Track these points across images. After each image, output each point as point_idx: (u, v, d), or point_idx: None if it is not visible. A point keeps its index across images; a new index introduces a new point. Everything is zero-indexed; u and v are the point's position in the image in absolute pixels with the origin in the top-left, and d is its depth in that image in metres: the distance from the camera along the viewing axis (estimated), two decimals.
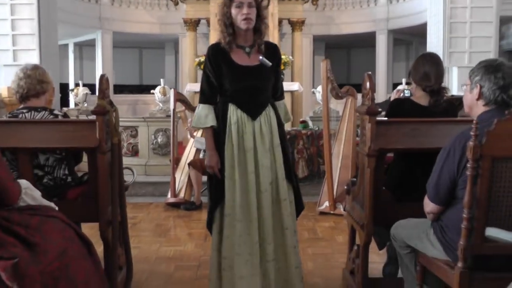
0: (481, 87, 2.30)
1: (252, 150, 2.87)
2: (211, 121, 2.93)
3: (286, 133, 3.29)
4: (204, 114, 2.94)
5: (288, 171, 2.96)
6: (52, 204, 2.38)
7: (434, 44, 8.85)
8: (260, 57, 2.89)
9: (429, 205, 2.42)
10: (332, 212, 5.34)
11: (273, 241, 2.90)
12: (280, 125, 3.00)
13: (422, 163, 2.90)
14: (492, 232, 2.16)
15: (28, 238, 2.05)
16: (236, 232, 2.86)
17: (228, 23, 2.87)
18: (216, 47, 2.95)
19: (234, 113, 2.89)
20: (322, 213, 5.39)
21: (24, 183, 2.29)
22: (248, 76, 2.89)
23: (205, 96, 2.97)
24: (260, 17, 2.89)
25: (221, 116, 2.93)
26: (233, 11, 2.85)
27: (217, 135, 2.95)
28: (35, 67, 3.19)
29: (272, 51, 2.99)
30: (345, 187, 3.50)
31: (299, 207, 3.06)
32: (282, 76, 3.35)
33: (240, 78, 2.89)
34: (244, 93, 2.90)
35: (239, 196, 2.86)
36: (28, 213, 2.17)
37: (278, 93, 3.06)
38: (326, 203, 5.40)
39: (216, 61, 2.91)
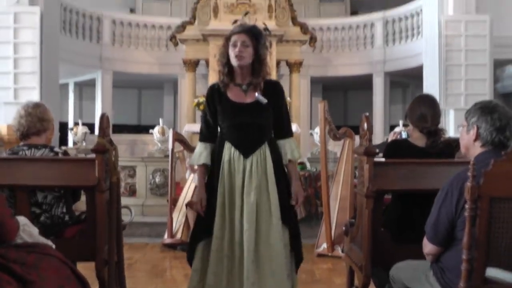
0: (478, 128, 2.33)
1: (240, 188, 2.91)
2: (203, 159, 3.02)
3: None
4: (199, 152, 3.04)
5: (284, 212, 2.93)
6: (49, 242, 2.36)
7: (431, 86, 8.95)
8: (256, 94, 2.95)
9: (427, 246, 2.40)
10: (330, 254, 5.27)
11: (260, 284, 2.85)
12: (278, 164, 2.98)
13: (420, 204, 2.90)
14: (492, 272, 2.14)
15: (24, 275, 2.03)
16: (224, 268, 2.87)
17: (224, 62, 2.97)
18: (213, 86, 3.06)
19: (228, 151, 2.94)
20: (320, 255, 5.32)
21: (22, 219, 2.28)
22: (242, 113, 2.94)
23: (203, 134, 3.07)
24: (258, 57, 2.96)
25: (217, 154, 2.98)
26: (230, 50, 2.94)
27: (212, 173, 3.00)
28: (36, 105, 3.22)
29: (272, 88, 3.02)
30: (343, 228, 3.48)
31: (298, 257, 3.03)
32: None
33: (234, 114, 2.95)
34: (238, 130, 2.94)
35: (227, 233, 2.89)
36: (25, 250, 2.16)
37: (284, 130, 3.06)
38: (324, 245, 5.35)
39: (212, 100, 3.00)
